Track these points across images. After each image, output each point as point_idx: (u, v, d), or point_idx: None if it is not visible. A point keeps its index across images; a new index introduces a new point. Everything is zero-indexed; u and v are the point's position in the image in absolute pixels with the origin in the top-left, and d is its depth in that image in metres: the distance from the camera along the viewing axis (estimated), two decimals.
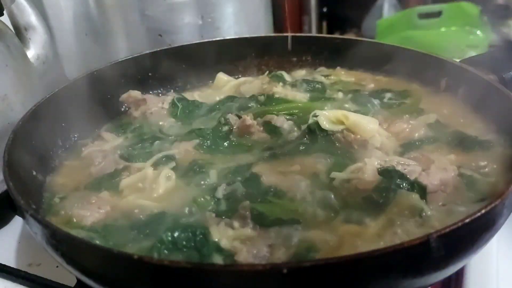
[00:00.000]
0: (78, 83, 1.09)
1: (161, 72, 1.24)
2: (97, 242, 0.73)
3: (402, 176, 0.78)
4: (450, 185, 0.80)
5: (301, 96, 1.17)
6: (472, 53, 1.68)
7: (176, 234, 0.69)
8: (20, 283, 0.87)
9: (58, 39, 1.43)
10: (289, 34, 1.31)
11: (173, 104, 1.11)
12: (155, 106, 1.11)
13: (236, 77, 1.30)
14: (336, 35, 1.84)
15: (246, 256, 0.67)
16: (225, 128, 1.00)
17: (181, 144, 0.98)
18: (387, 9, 2.29)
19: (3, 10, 1.10)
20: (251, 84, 1.22)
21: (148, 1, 1.28)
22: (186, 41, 1.28)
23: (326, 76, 1.25)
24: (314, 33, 2.47)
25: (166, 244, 0.68)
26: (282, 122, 1.02)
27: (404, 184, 0.76)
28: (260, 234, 0.72)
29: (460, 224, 0.61)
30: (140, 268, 0.60)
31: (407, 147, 0.91)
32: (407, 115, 1.02)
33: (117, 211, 0.81)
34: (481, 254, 0.72)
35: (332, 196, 0.79)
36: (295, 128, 1.00)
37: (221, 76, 1.28)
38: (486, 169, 0.85)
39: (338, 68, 1.29)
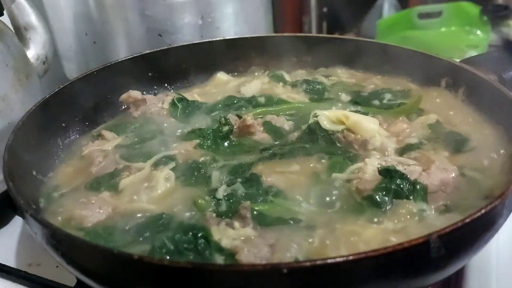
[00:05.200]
0: (78, 83, 1.09)
1: (161, 72, 1.24)
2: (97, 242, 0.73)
3: (403, 176, 0.78)
4: (451, 185, 0.80)
5: (301, 96, 1.17)
6: (472, 53, 1.69)
7: (176, 237, 0.69)
8: (20, 283, 0.87)
9: (58, 39, 1.43)
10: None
11: (173, 104, 1.11)
12: (155, 106, 1.11)
13: (235, 76, 1.30)
14: (336, 35, 1.83)
15: (247, 255, 0.67)
16: (225, 128, 1.00)
17: (181, 144, 0.98)
18: (387, 9, 2.29)
19: (3, 10, 1.10)
20: (251, 84, 1.22)
21: (148, 1, 1.27)
22: (186, 41, 1.28)
23: (326, 76, 1.25)
24: (314, 33, 2.47)
25: (167, 247, 0.68)
26: (283, 122, 1.02)
27: (404, 184, 0.76)
28: (260, 234, 0.72)
29: (460, 224, 0.61)
30: (140, 268, 0.60)
31: (407, 147, 0.91)
32: (407, 115, 1.02)
33: (117, 212, 0.81)
34: (481, 254, 0.72)
35: (333, 196, 0.80)
36: (296, 128, 1.00)
37: (221, 76, 1.28)
38: (486, 169, 0.85)
39: (338, 68, 1.28)
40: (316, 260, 0.56)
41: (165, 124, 1.07)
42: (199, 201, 0.80)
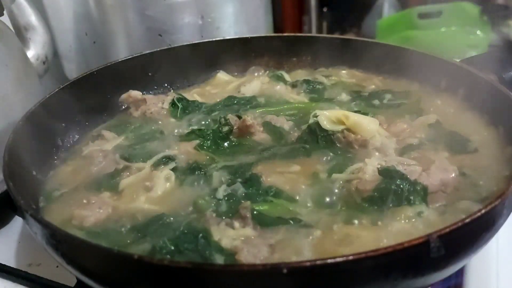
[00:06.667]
0: (78, 83, 1.09)
1: (161, 72, 1.24)
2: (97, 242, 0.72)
3: (403, 177, 0.78)
4: (451, 186, 0.80)
5: (301, 97, 1.17)
6: (472, 53, 1.68)
7: (176, 238, 0.69)
8: (20, 283, 0.87)
9: (58, 39, 1.43)
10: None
11: (173, 104, 1.11)
12: (155, 106, 1.11)
13: (236, 76, 1.30)
14: (336, 35, 1.84)
15: (247, 255, 0.67)
16: (225, 128, 1.00)
17: (181, 144, 0.98)
18: (387, 9, 2.29)
19: (3, 10, 1.11)
20: (251, 84, 1.22)
21: (148, 1, 1.27)
22: (186, 41, 1.28)
23: (326, 76, 1.25)
24: (314, 33, 2.47)
25: (167, 247, 0.68)
26: (283, 122, 1.02)
27: (404, 185, 0.76)
28: (260, 234, 0.72)
29: (460, 224, 0.61)
30: (140, 268, 0.60)
31: (407, 147, 0.91)
32: (407, 116, 1.02)
33: (117, 212, 0.81)
34: (481, 254, 0.72)
35: (333, 196, 0.80)
36: (296, 129, 1.00)
37: (221, 76, 1.28)
38: (486, 169, 0.85)
39: (338, 68, 1.28)
40: (316, 260, 0.56)
41: (165, 124, 1.07)
42: (199, 201, 0.80)
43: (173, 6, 1.28)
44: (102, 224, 0.78)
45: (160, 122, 1.08)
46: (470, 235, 0.65)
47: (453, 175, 0.81)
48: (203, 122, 1.07)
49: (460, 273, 0.85)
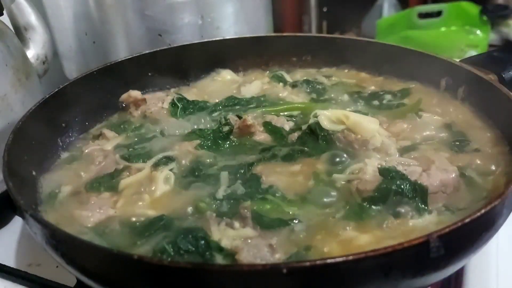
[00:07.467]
0: (78, 83, 1.09)
1: (161, 72, 1.24)
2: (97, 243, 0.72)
3: (403, 177, 0.78)
4: (451, 186, 0.79)
5: (301, 97, 1.17)
6: (472, 53, 1.69)
7: (176, 238, 0.69)
8: (20, 283, 0.87)
9: (58, 39, 1.43)
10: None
11: (173, 104, 1.11)
12: (155, 106, 1.11)
13: (236, 76, 1.30)
14: (336, 35, 1.83)
15: (246, 255, 0.67)
16: (226, 128, 1.00)
17: (181, 144, 0.98)
18: (387, 9, 2.29)
19: (3, 10, 1.11)
20: (251, 84, 1.22)
21: (148, 1, 1.27)
22: (186, 41, 1.28)
23: (326, 76, 1.25)
24: (314, 33, 2.47)
25: (167, 248, 0.68)
26: (283, 122, 1.02)
27: (404, 185, 0.76)
28: (260, 234, 0.72)
29: (460, 224, 0.61)
30: (140, 268, 0.60)
31: (407, 147, 0.91)
32: (407, 116, 1.02)
33: (117, 213, 0.81)
34: (481, 254, 0.72)
35: (333, 196, 0.80)
36: (296, 128, 1.00)
37: (222, 76, 1.28)
38: (486, 169, 0.85)
39: (338, 68, 1.28)
40: (316, 260, 0.56)
41: (165, 124, 1.07)
42: (199, 201, 0.80)
43: (173, 6, 1.28)
44: (102, 224, 0.78)
45: (160, 122, 1.08)
46: (470, 235, 0.65)
47: (453, 175, 0.80)
48: (203, 122, 1.07)
49: (460, 273, 0.85)
